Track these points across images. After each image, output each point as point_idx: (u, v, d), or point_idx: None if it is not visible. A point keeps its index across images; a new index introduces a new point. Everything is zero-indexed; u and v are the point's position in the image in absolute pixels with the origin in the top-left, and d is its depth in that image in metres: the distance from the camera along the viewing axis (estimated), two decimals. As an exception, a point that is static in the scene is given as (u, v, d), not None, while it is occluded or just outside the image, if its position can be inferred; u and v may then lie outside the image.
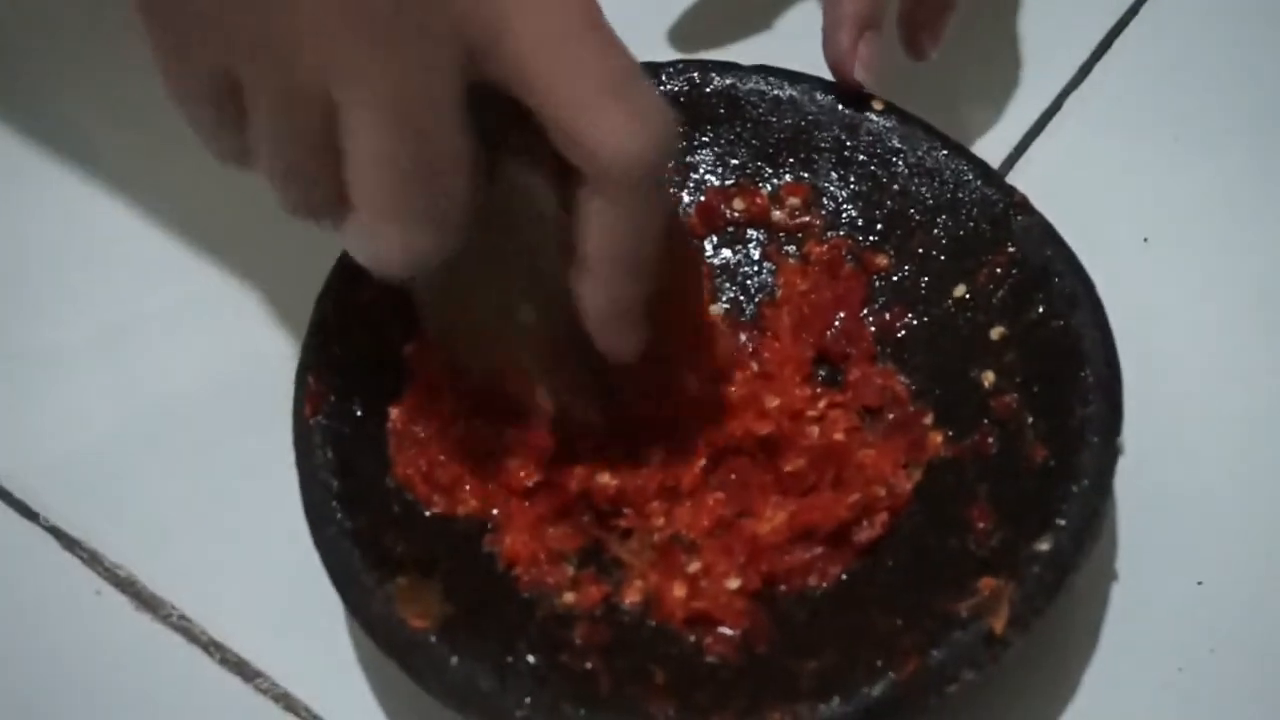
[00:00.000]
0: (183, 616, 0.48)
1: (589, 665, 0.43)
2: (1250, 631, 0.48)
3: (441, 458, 0.46)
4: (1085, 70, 0.59)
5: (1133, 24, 0.60)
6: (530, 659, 0.43)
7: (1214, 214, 0.56)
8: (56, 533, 0.50)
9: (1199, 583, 0.48)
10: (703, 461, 0.47)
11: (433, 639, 0.43)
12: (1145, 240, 0.55)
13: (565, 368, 0.46)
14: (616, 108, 0.40)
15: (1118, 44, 0.59)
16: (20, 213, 0.56)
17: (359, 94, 0.39)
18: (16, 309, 0.54)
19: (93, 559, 0.49)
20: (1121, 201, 0.56)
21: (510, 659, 0.43)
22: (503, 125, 0.42)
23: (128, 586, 0.48)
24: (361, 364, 0.47)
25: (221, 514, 0.49)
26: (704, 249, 0.51)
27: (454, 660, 0.43)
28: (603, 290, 0.43)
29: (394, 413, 0.47)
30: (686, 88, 0.51)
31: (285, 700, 0.47)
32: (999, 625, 0.43)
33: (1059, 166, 0.56)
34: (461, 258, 0.42)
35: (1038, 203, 0.50)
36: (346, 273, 0.48)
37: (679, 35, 0.59)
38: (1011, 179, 0.53)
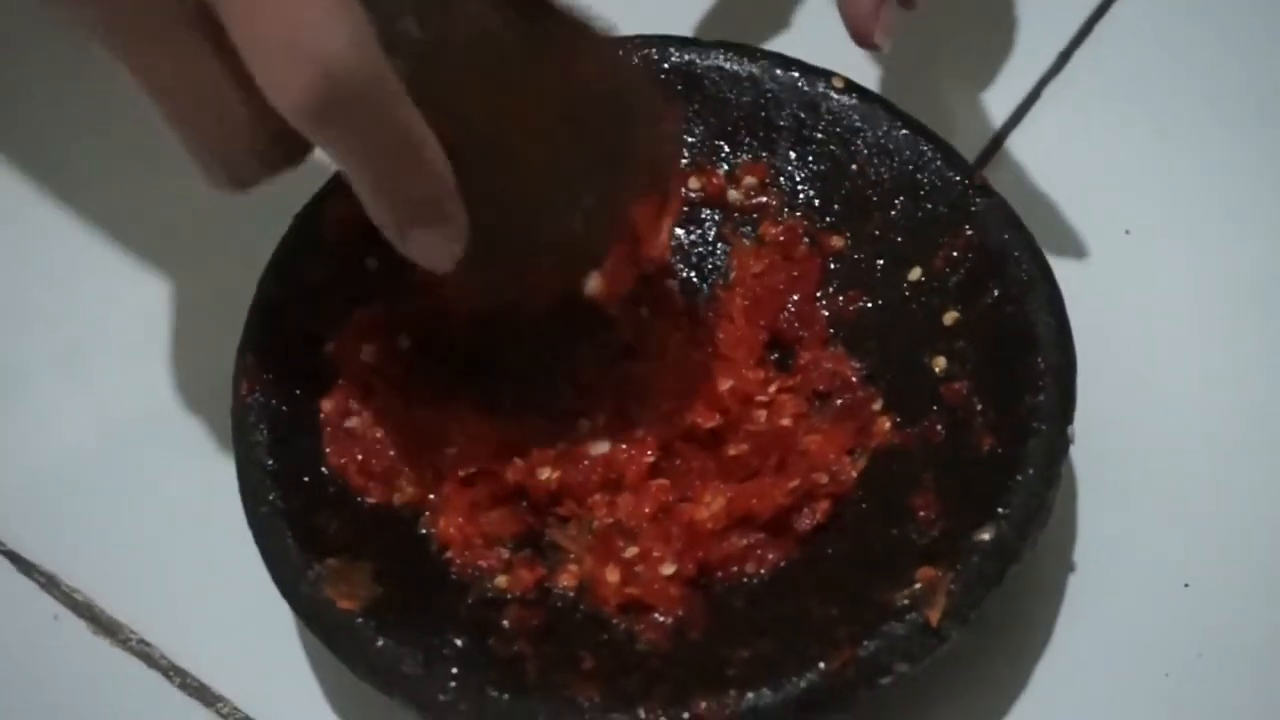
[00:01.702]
0: (142, 640, 0.48)
1: (517, 650, 0.43)
2: (1235, 631, 0.47)
3: (377, 447, 0.46)
4: (1064, 57, 0.57)
5: (1113, 9, 0.58)
6: (458, 642, 0.43)
7: (1198, 206, 0.54)
8: (13, 557, 0.49)
9: (1185, 584, 0.47)
10: (650, 457, 0.46)
11: (360, 620, 0.42)
12: (1127, 233, 0.54)
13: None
14: (277, 53, 0.36)
15: (1097, 30, 0.58)
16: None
17: None
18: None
19: (50, 583, 0.49)
20: (1102, 193, 0.54)
21: (437, 642, 0.42)
22: None
23: (86, 611, 0.48)
24: (302, 345, 0.47)
25: (181, 537, 0.49)
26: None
27: (380, 642, 0.42)
28: (379, 216, 0.40)
29: (325, 405, 0.46)
30: (643, 64, 0.51)
31: (247, 725, 0.47)
32: (935, 616, 0.42)
33: (1038, 157, 0.55)
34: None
35: (1016, 194, 0.49)
36: (289, 252, 0.48)
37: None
38: (989, 171, 0.52)
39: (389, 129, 0.38)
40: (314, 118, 0.37)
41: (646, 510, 0.45)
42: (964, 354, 0.47)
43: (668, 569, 0.44)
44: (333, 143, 0.38)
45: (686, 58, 0.51)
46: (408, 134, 0.39)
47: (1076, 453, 0.47)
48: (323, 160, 0.49)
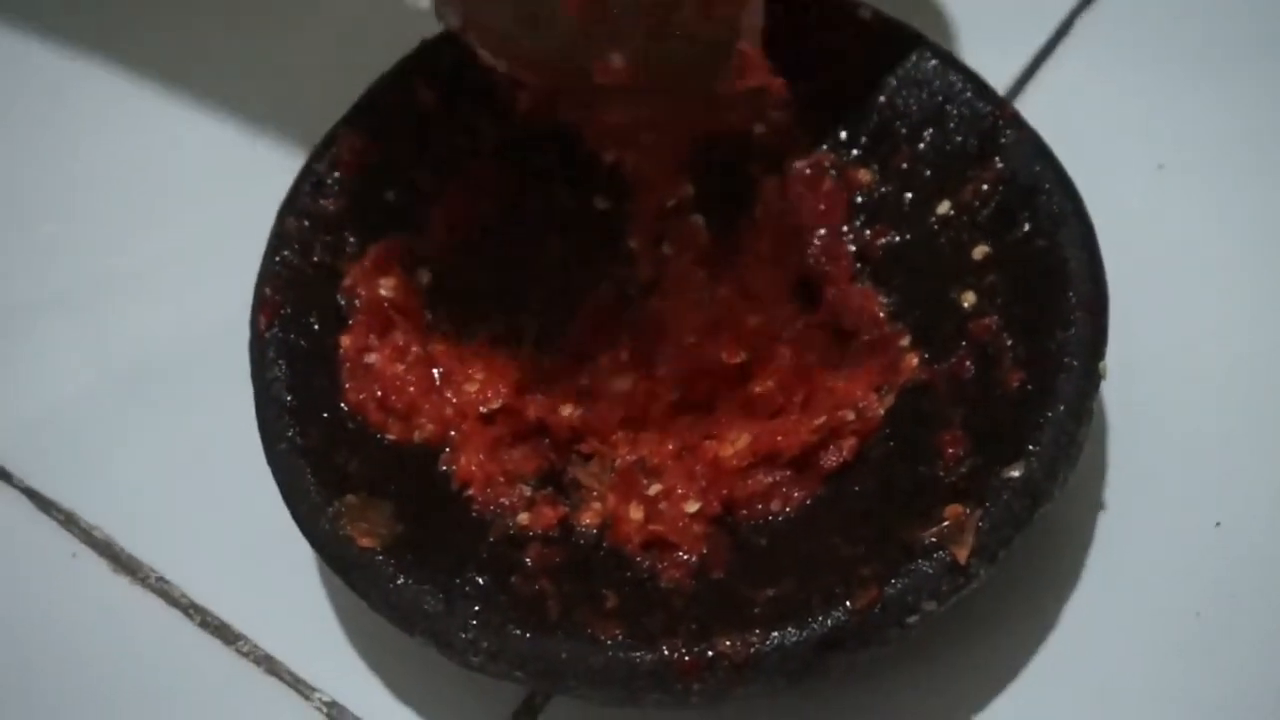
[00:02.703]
0: (161, 579, 0.47)
1: (539, 587, 0.42)
2: (1267, 570, 0.45)
3: (396, 384, 0.45)
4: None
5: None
6: (479, 580, 0.42)
7: (1232, 141, 0.53)
8: (31, 494, 0.49)
9: (1216, 523, 0.46)
10: (673, 394, 0.46)
11: (379, 558, 0.42)
12: (1160, 167, 0.53)
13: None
14: None
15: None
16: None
17: None
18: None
19: (69, 521, 0.48)
20: (1135, 127, 0.53)
21: (458, 580, 0.42)
22: None
23: (105, 549, 0.48)
24: (320, 279, 0.46)
25: (201, 475, 0.49)
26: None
27: (400, 580, 0.42)
28: None
29: (344, 340, 0.46)
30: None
31: (267, 663, 0.46)
32: (963, 555, 0.41)
33: (1069, 90, 0.54)
34: None
35: (1047, 128, 0.48)
36: (309, 183, 0.47)
37: None
38: (1020, 103, 0.51)
39: None
40: None
41: (670, 447, 0.45)
42: (994, 289, 0.46)
43: (691, 507, 0.44)
44: None
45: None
46: None
47: (1107, 390, 0.47)
48: (335, 102, 0.49)
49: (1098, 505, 0.47)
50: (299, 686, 0.46)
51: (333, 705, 0.45)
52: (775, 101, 0.44)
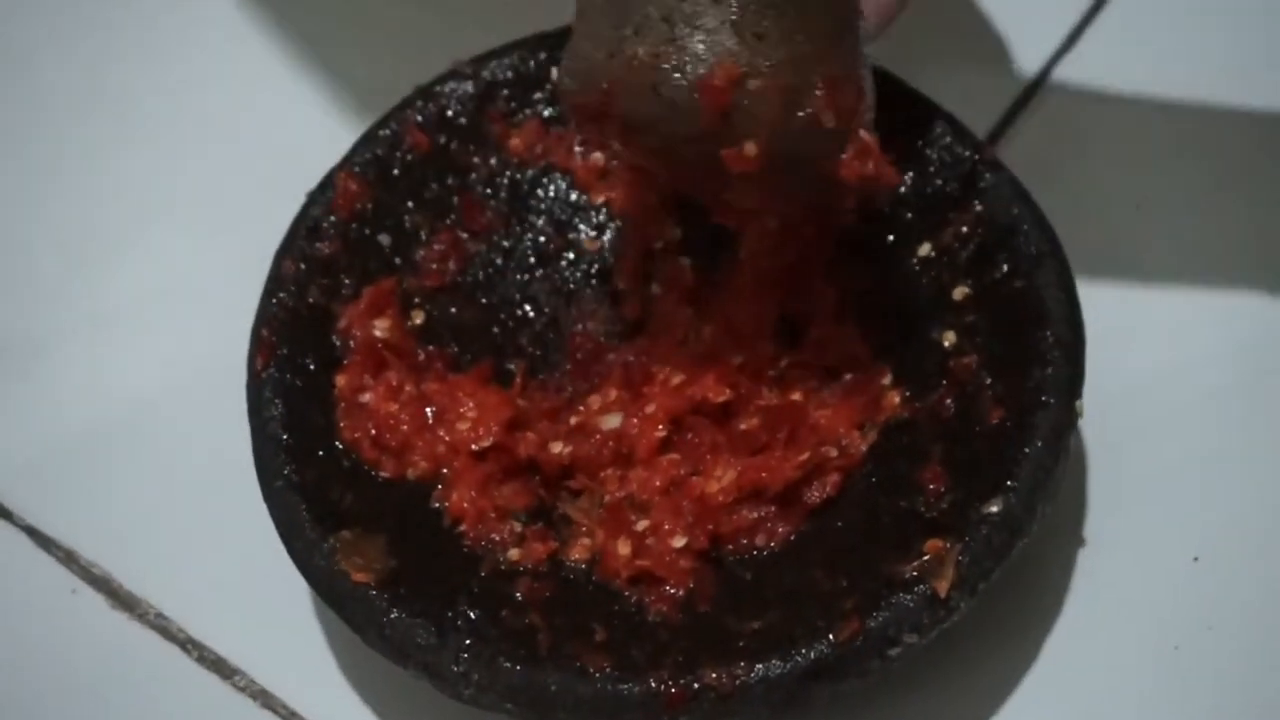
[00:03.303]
0: (159, 614, 0.48)
1: (529, 621, 0.43)
2: (1245, 605, 0.46)
3: (390, 422, 0.46)
4: (1074, 37, 0.57)
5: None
6: (471, 614, 0.43)
7: (1209, 179, 0.54)
8: (31, 531, 0.50)
9: (1194, 558, 0.47)
10: (661, 431, 0.46)
11: (373, 592, 0.43)
12: (1138, 207, 0.53)
13: None
14: None
15: (1108, 8, 0.57)
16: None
17: None
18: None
19: (68, 558, 0.49)
20: (1113, 168, 0.54)
21: (450, 614, 0.43)
22: None
23: (103, 585, 0.48)
24: (315, 320, 0.47)
25: (198, 512, 0.49)
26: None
27: (393, 614, 0.43)
28: None
29: (339, 380, 0.47)
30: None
31: (263, 698, 0.47)
32: (943, 588, 0.42)
33: (1048, 133, 0.55)
34: None
35: (1025, 170, 0.49)
36: (305, 227, 0.48)
37: None
38: (999, 148, 0.52)
39: None
40: None
41: (658, 483, 0.46)
42: (973, 328, 0.47)
43: (678, 541, 0.45)
44: None
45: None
46: None
47: (1087, 429, 0.47)
48: (336, 139, 0.50)
49: (1078, 541, 0.48)
50: (294, 720, 0.46)
51: (327, 737, 0.46)
52: (887, 189, 0.46)
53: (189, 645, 0.47)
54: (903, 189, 0.49)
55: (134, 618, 0.48)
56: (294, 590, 0.46)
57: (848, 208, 0.45)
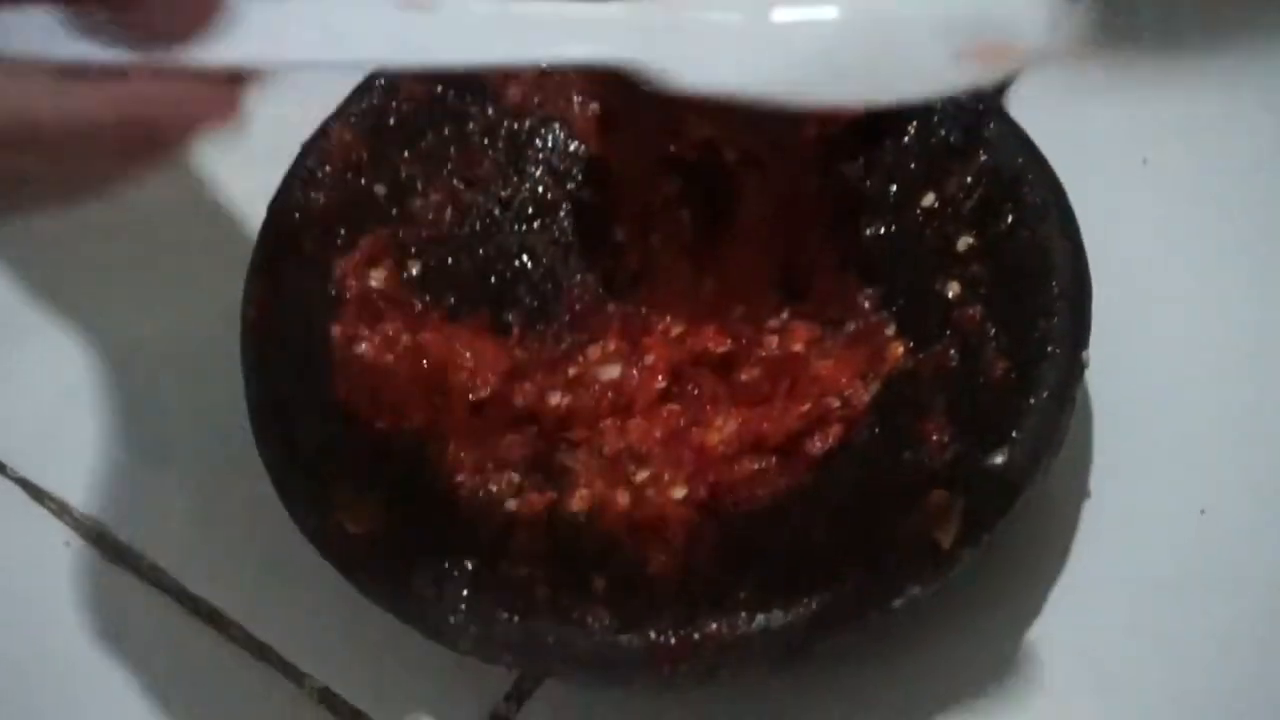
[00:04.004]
0: (154, 567, 0.48)
1: (527, 573, 0.43)
2: (1251, 557, 0.46)
3: (386, 373, 0.46)
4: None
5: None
6: (469, 565, 0.43)
7: (1216, 135, 0.53)
8: (24, 484, 0.50)
9: (1200, 511, 0.46)
10: (660, 382, 0.46)
11: (371, 545, 0.43)
12: (1145, 161, 0.53)
13: None
14: None
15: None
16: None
17: None
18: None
19: (62, 510, 0.49)
20: (1121, 121, 0.53)
21: (448, 565, 0.43)
22: None
23: (97, 537, 0.48)
24: (311, 270, 0.47)
25: (192, 463, 0.49)
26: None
27: (391, 566, 0.42)
28: None
29: (334, 331, 0.46)
30: None
31: (259, 650, 0.47)
32: (946, 540, 0.41)
33: (1055, 83, 0.54)
34: None
35: (1032, 120, 0.48)
36: (299, 178, 0.48)
37: None
38: (1004, 97, 0.51)
39: None
40: None
41: (657, 435, 0.45)
42: (977, 279, 0.46)
43: (678, 492, 0.44)
44: None
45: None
46: None
47: (1092, 380, 0.47)
48: (327, 92, 0.50)
49: (1083, 493, 0.47)
50: (291, 673, 0.46)
51: (324, 691, 0.46)
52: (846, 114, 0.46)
53: (184, 597, 0.47)
54: (906, 139, 0.48)
55: (128, 570, 0.48)
56: (289, 542, 0.45)
57: (808, 135, 0.44)
